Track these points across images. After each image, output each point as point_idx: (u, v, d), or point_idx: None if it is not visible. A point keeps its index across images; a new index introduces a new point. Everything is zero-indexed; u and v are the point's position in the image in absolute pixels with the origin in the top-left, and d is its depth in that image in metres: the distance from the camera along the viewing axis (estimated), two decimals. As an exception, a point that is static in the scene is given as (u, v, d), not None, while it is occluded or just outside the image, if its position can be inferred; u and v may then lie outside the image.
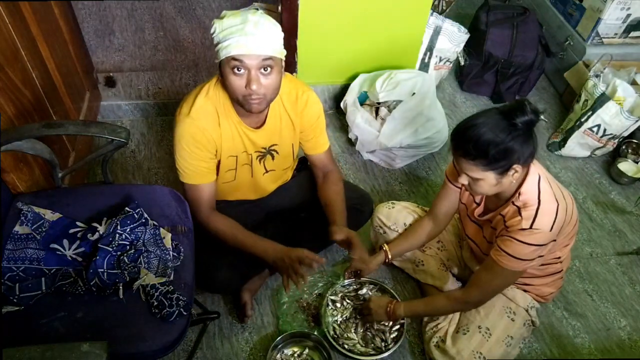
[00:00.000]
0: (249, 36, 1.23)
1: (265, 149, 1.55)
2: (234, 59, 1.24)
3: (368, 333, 1.68)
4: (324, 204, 1.66)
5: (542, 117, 1.26)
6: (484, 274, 1.45)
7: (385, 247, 1.71)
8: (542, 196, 1.32)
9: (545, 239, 1.31)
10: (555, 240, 1.35)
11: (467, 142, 1.25)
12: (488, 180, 1.30)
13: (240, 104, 1.35)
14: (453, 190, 1.59)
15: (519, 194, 1.34)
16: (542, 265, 1.52)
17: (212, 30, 1.27)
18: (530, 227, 1.30)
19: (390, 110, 2.20)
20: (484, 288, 1.45)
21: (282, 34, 1.30)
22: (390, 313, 1.59)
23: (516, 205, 1.35)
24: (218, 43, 1.26)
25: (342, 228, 1.56)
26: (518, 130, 1.23)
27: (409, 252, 1.78)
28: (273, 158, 1.59)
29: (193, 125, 1.38)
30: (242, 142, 1.48)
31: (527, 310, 1.59)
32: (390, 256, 1.70)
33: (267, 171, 1.62)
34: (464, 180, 1.35)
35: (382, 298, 1.69)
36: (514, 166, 1.27)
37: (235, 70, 1.26)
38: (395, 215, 1.79)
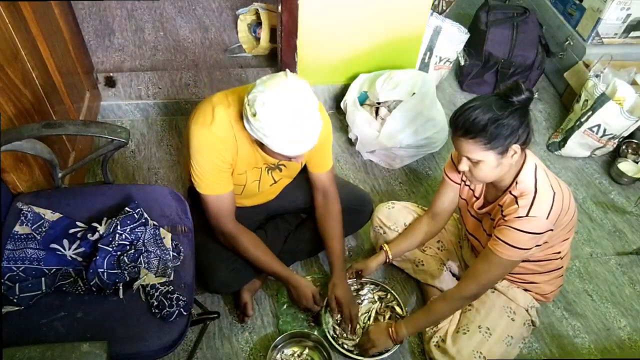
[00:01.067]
0: (303, 142, 1.27)
1: (274, 164, 1.55)
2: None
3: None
4: (323, 234, 1.69)
5: (535, 95, 1.29)
6: (480, 264, 1.44)
7: (386, 247, 1.71)
8: (538, 185, 1.33)
9: (541, 227, 1.32)
10: (552, 230, 1.35)
11: (466, 121, 1.27)
12: (489, 162, 1.30)
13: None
14: (452, 187, 1.59)
15: (516, 182, 1.36)
16: (543, 261, 1.52)
17: (255, 115, 1.23)
18: (527, 215, 1.31)
19: (390, 110, 2.20)
20: (479, 279, 1.44)
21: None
22: (393, 336, 1.55)
23: (513, 195, 1.36)
24: (263, 133, 1.25)
25: (341, 289, 1.64)
26: (515, 107, 1.25)
27: (408, 252, 1.77)
28: (281, 170, 1.60)
29: (213, 136, 1.36)
30: (254, 157, 1.48)
31: (527, 310, 1.59)
32: (390, 256, 1.70)
33: (275, 182, 1.63)
34: (464, 166, 1.35)
35: (379, 325, 1.63)
36: (513, 146, 1.28)
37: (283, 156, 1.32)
38: (396, 215, 1.79)
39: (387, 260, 1.71)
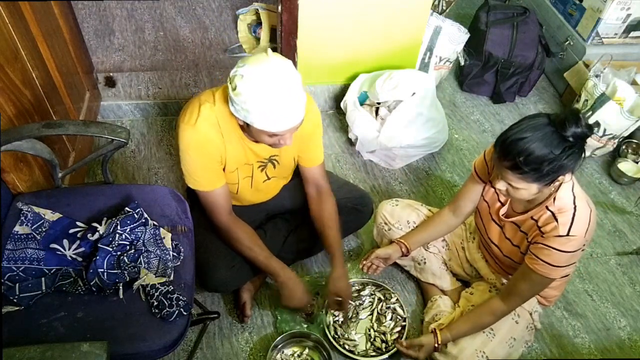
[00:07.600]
0: (287, 115, 1.25)
1: (266, 159, 1.55)
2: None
3: (369, 334, 1.68)
4: (319, 228, 1.65)
5: (595, 130, 1.22)
6: (521, 283, 1.42)
7: (401, 240, 1.68)
8: (577, 202, 1.30)
9: (580, 244, 1.30)
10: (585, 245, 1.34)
11: (517, 155, 1.19)
12: (530, 190, 1.27)
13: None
14: (479, 185, 1.56)
15: (554, 198, 1.32)
16: None
17: (235, 89, 1.22)
18: (567, 234, 1.28)
19: (390, 110, 2.20)
20: (524, 296, 1.45)
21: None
22: (439, 346, 1.51)
23: (550, 211, 1.32)
24: (245, 108, 1.24)
25: (344, 283, 1.61)
26: (571, 146, 1.19)
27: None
28: (274, 167, 1.59)
29: (199, 134, 1.37)
30: (244, 153, 1.48)
31: (531, 314, 1.59)
32: (410, 247, 1.67)
33: (268, 178, 1.63)
34: (501, 186, 1.30)
35: (427, 337, 1.54)
36: (560, 177, 1.25)
37: (270, 136, 1.30)
38: (399, 212, 1.78)
39: (405, 252, 1.67)
